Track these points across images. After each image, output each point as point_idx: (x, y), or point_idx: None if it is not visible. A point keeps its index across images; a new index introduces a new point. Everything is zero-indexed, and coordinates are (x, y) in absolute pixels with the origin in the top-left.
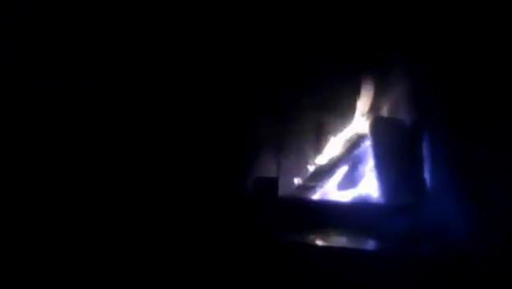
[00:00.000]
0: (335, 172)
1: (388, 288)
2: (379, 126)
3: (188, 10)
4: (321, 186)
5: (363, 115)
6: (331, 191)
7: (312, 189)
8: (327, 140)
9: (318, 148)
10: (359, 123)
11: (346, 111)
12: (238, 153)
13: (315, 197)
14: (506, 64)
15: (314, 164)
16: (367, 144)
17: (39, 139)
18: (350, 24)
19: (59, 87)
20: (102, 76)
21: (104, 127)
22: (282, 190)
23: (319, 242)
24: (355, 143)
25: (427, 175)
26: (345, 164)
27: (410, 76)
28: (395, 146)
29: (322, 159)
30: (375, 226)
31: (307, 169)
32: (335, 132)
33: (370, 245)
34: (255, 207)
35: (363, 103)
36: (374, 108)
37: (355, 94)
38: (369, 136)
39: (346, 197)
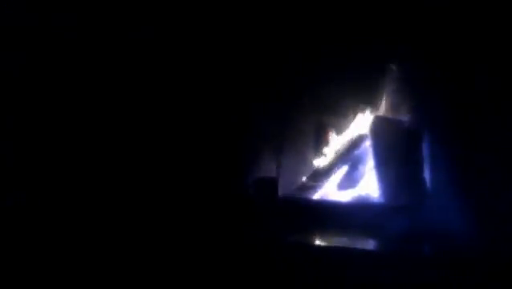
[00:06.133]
0: (335, 172)
1: (388, 288)
2: (379, 126)
3: (189, 9)
4: (321, 186)
5: (363, 115)
6: (331, 191)
7: (312, 189)
8: (327, 141)
9: (318, 149)
10: (359, 123)
11: (346, 112)
12: (238, 153)
13: (315, 197)
14: (506, 64)
15: (315, 164)
16: (367, 144)
17: (40, 139)
18: (350, 24)
19: (58, 87)
20: (101, 76)
21: (104, 127)
22: (282, 190)
23: (319, 242)
24: (355, 143)
25: (427, 175)
26: (345, 164)
27: (410, 76)
28: (395, 146)
29: (322, 159)
30: (375, 226)
31: (307, 169)
32: (334, 132)
33: (370, 245)
34: (255, 207)
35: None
36: (374, 108)
37: (356, 94)
38: (369, 136)
39: (346, 197)
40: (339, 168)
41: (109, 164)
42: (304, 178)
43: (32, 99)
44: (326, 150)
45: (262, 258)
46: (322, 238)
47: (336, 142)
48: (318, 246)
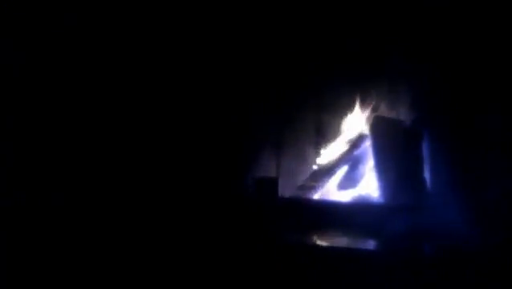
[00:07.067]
0: (335, 172)
1: (388, 288)
2: (379, 126)
3: (190, 9)
4: (321, 186)
5: (363, 115)
6: (331, 191)
7: (312, 189)
8: (327, 140)
9: (318, 148)
10: (359, 123)
11: (346, 112)
12: (238, 153)
13: (315, 197)
14: (507, 65)
15: (315, 164)
16: (367, 144)
17: (40, 139)
18: (350, 24)
19: (59, 87)
20: (101, 76)
21: (104, 127)
22: (282, 190)
23: (319, 242)
24: (355, 143)
25: (427, 175)
26: (345, 164)
27: (410, 76)
28: (395, 146)
29: (322, 159)
30: (375, 226)
31: (307, 169)
32: (335, 132)
33: (370, 245)
34: (255, 207)
35: (363, 103)
36: (374, 108)
37: (355, 94)
38: (369, 136)
39: (346, 197)
40: (339, 168)
41: (109, 165)
42: (304, 178)
43: (32, 99)
44: (326, 150)
45: (262, 258)
46: (322, 238)
47: (336, 142)
48: (319, 246)
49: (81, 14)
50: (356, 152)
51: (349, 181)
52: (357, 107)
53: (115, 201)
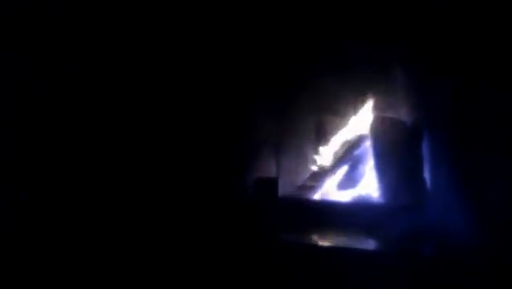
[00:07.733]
0: (335, 172)
1: (388, 288)
2: (380, 126)
3: (188, 9)
4: (321, 186)
5: (363, 115)
6: (331, 191)
7: (312, 189)
8: (327, 140)
9: (318, 148)
10: (359, 123)
11: (346, 111)
12: (238, 153)
13: (315, 197)
14: (507, 64)
15: (315, 164)
16: (367, 144)
17: (40, 139)
18: (349, 24)
19: (58, 87)
20: (102, 76)
21: (104, 127)
22: (282, 190)
23: (319, 242)
24: (355, 143)
25: (427, 175)
26: (345, 164)
27: (410, 76)
28: (395, 146)
29: (322, 159)
30: (375, 226)
31: (307, 169)
32: (335, 132)
33: (370, 245)
34: (255, 207)
35: (363, 103)
36: (374, 108)
37: (355, 94)
38: (369, 136)
39: (346, 197)
40: (339, 168)
41: (109, 164)
42: (304, 178)
43: (32, 99)
44: (326, 150)
45: (262, 258)
46: (322, 238)
47: (336, 142)
48: (319, 246)
49: (80, 14)
50: (356, 152)
51: (349, 181)
52: (357, 108)
53: (115, 201)
